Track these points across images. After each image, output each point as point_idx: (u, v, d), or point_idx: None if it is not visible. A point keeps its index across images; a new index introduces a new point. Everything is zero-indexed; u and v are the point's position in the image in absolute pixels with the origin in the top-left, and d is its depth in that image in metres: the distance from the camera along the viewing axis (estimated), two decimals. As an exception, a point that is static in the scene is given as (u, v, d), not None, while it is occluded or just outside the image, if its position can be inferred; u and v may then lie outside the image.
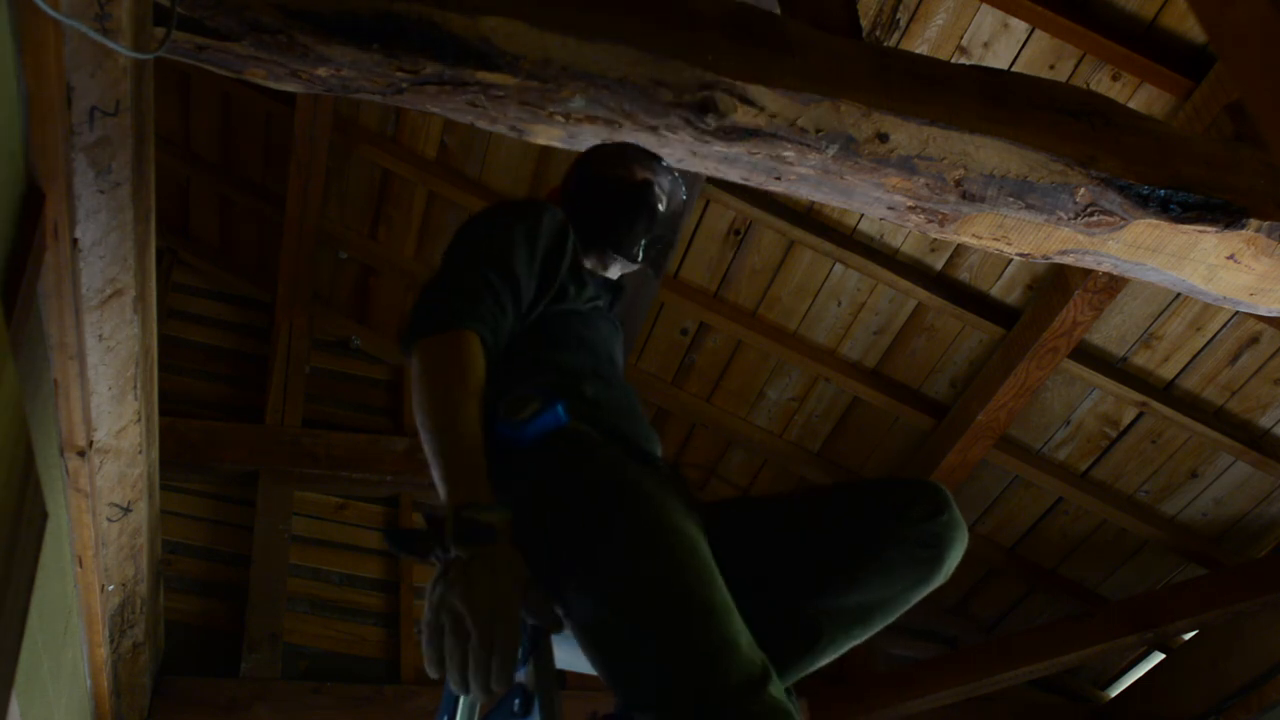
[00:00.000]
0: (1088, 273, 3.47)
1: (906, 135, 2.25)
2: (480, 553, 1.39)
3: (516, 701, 1.45)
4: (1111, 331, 3.89)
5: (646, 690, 1.40)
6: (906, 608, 1.73)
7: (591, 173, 2.19)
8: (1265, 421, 3.97)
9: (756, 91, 2.17)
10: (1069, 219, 2.35)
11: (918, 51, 3.03)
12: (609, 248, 2.15)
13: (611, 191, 2.16)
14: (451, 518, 1.42)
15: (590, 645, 1.49)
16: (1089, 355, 3.94)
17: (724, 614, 1.44)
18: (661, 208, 2.18)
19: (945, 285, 3.96)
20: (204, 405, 4.49)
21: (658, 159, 2.18)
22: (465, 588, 1.36)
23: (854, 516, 1.71)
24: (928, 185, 2.30)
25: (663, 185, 2.20)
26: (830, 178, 2.30)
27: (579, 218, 2.13)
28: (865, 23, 3.23)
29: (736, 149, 2.23)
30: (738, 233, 4.05)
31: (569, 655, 1.77)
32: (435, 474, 1.52)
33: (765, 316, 4.22)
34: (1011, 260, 3.72)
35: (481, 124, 2.21)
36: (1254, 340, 3.76)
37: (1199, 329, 3.80)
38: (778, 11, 2.44)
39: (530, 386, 1.74)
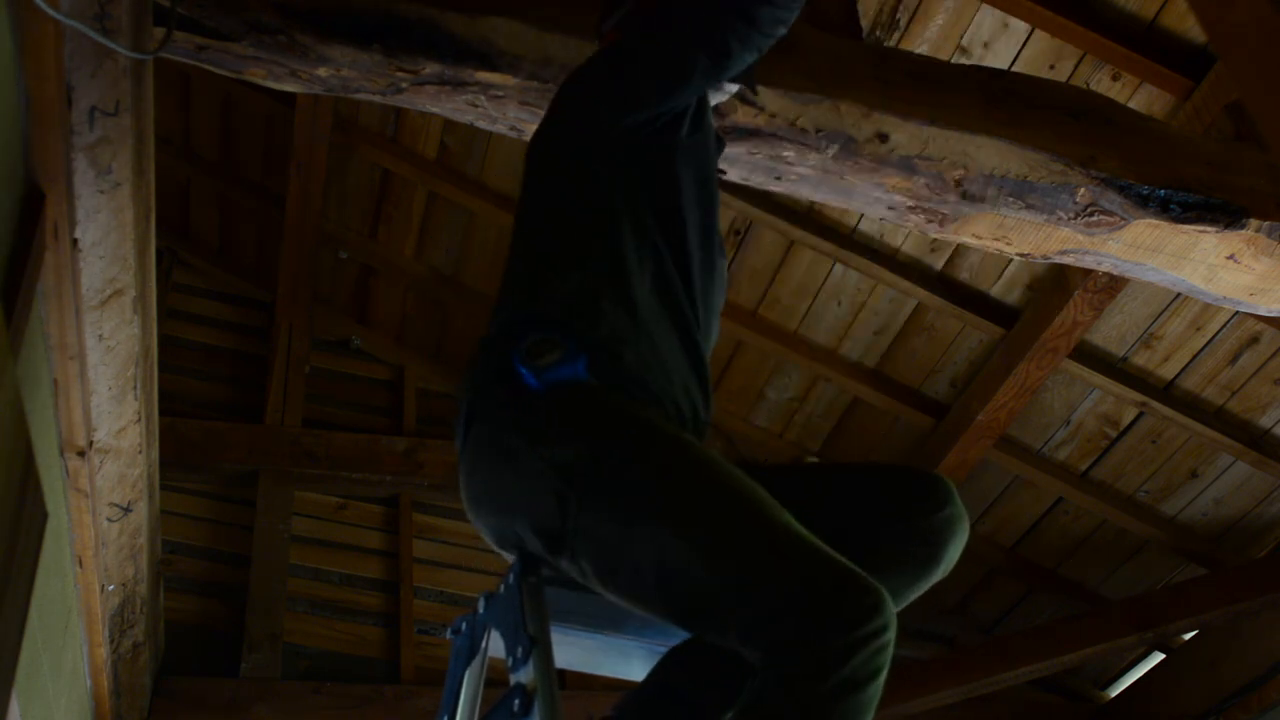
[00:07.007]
0: (1088, 273, 3.47)
1: (906, 135, 2.25)
2: None
3: (516, 701, 1.45)
4: (1111, 331, 3.88)
5: (762, 606, 1.41)
6: (906, 602, 1.68)
7: None
8: (1265, 421, 3.96)
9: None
10: (1069, 219, 2.35)
11: (918, 51, 3.03)
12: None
13: None
14: None
15: (680, 592, 1.49)
16: (1089, 355, 3.94)
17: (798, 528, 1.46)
18: None
19: (945, 285, 3.95)
20: (204, 405, 4.48)
21: None
22: None
23: (855, 504, 1.68)
24: (928, 185, 2.30)
25: None
26: (830, 178, 2.30)
27: None
28: (865, 23, 3.22)
29: (736, 149, 2.23)
30: (738, 233, 4.04)
31: (569, 655, 1.77)
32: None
33: (765, 316, 4.22)
34: (1011, 260, 3.71)
35: (481, 124, 2.21)
36: (1254, 340, 3.76)
37: (1199, 329, 3.80)
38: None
39: (569, 329, 1.65)
